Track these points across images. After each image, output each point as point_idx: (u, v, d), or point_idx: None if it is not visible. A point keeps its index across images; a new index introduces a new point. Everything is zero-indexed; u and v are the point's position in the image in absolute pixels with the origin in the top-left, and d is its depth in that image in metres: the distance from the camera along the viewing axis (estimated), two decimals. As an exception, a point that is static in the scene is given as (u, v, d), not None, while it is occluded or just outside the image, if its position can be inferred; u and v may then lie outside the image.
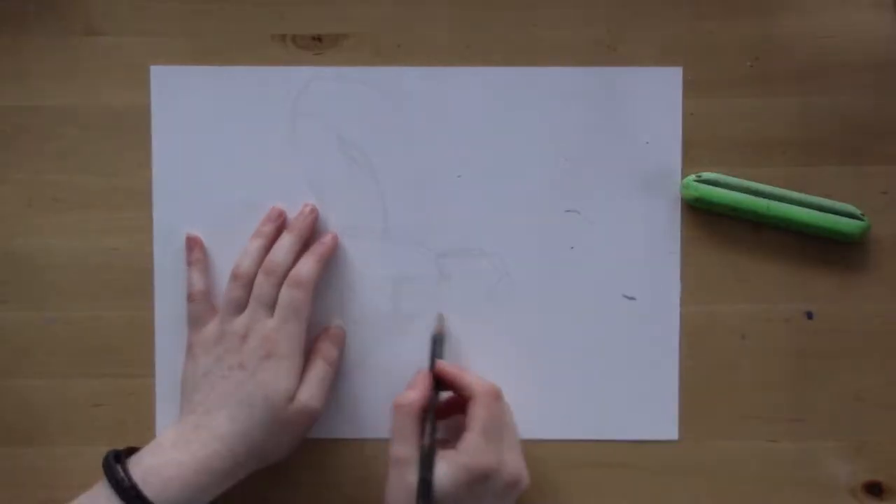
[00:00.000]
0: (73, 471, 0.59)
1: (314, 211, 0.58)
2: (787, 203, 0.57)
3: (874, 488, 0.58)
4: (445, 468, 0.51)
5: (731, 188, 0.57)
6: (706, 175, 0.57)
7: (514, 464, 0.53)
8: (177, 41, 0.58)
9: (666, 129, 0.58)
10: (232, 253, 0.58)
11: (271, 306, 0.55)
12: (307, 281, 0.55)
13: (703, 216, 0.58)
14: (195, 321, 0.56)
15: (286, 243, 0.56)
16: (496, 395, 0.54)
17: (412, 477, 0.51)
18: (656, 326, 0.58)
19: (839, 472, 0.58)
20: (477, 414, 0.52)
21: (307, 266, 0.56)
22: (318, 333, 0.57)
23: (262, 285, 0.55)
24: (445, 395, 0.56)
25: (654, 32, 0.58)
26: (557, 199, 0.59)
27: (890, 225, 0.58)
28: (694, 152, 0.58)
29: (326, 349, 0.56)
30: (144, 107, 0.58)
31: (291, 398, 0.54)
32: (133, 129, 0.58)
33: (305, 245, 0.57)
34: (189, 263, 0.58)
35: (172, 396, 0.58)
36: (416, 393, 0.53)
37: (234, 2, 0.58)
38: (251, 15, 0.58)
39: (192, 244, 0.58)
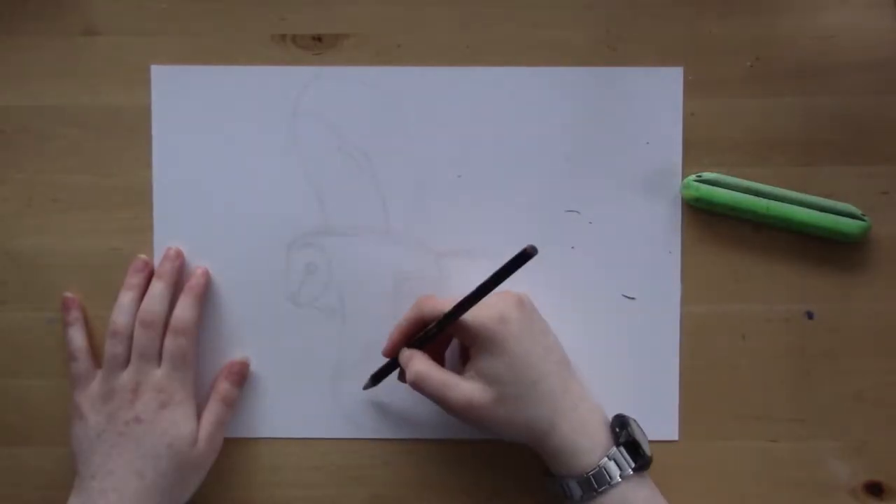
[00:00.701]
0: (72, 471, 0.58)
1: (179, 255, 0.58)
2: (787, 203, 0.57)
3: (874, 488, 0.58)
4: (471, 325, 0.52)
5: (731, 188, 0.57)
6: (706, 175, 0.57)
7: (499, 301, 0.53)
8: (177, 41, 0.58)
9: (666, 129, 0.58)
10: (232, 256, 0.58)
11: (155, 357, 0.55)
12: (188, 326, 0.56)
13: (703, 216, 0.58)
14: (78, 380, 0.56)
15: (157, 292, 0.56)
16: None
17: (463, 388, 0.52)
18: (657, 326, 0.58)
19: (839, 472, 0.58)
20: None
21: (185, 311, 0.56)
22: (221, 371, 0.58)
23: (141, 338, 0.55)
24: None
25: (654, 32, 0.58)
26: (558, 199, 0.59)
27: (890, 225, 0.58)
28: (694, 152, 0.58)
29: (225, 389, 0.57)
30: (144, 107, 0.58)
31: (194, 442, 0.55)
32: (133, 129, 0.58)
33: (178, 288, 0.57)
34: (66, 324, 0.57)
35: (172, 396, 0.58)
36: (414, 361, 0.53)
37: (234, 2, 0.58)
38: (251, 15, 0.58)
39: (69, 304, 0.58)
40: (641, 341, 0.58)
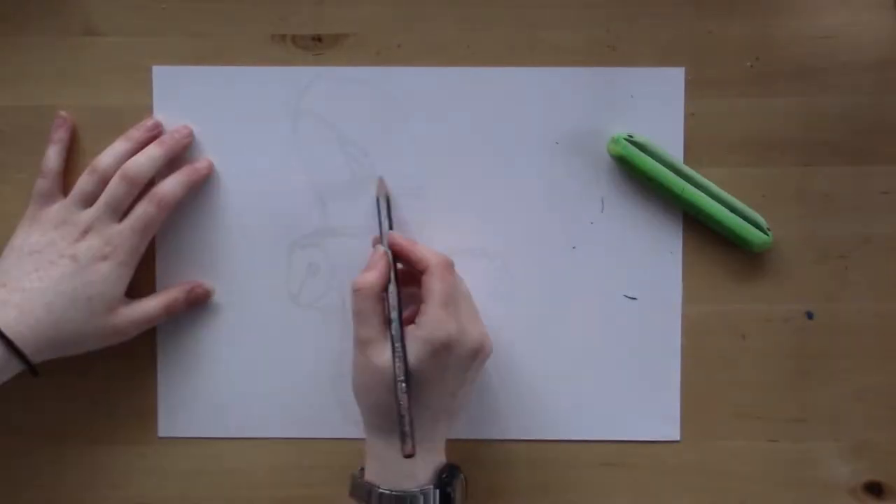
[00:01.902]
0: (73, 471, 0.59)
1: (191, 135, 0.57)
2: (706, 194, 0.57)
3: (874, 488, 0.58)
4: (407, 344, 0.50)
5: (656, 159, 0.57)
6: (637, 137, 0.57)
7: (475, 331, 0.52)
8: (177, 41, 0.58)
9: (667, 130, 0.58)
10: (233, 256, 0.58)
11: (119, 211, 0.55)
12: (168, 201, 0.55)
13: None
14: (39, 198, 0.56)
15: (153, 153, 0.56)
16: (449, 266, 0.52)
17: (379, 357, 0.50)
18: (658, 327, 0.58)
19: (839, 472, 0.58)
20: (433, 286, 0.51)
21: (172, 186, 0.56)
22: (185, 283, 0.57)
23: (116, 188, 0.54)
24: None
25: (654, 32, 0.58)
26: (558, 199, 0.59)
27: (890, 225, 0.58)
28: (694, 152, 0.58)
29: (175, 300, 0.57)
30: (144, 107, 0.58)
31: (114, 308, 0.54)
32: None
33: (172, 165, 0.57)
34: (51, 141, 0.57)
35: (173, 396, 0.58)
36: (374, 273, 0.52)
37: (234, 2, 0.58)
38: (251, 15, 0.58)
39: (60, 123, 0.57)
40: (642, 341, 0.58)
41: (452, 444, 0.58)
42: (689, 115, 0.58)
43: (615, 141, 0.57)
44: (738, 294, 0.59)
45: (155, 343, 0.59)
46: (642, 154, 0.57)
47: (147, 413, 0.59)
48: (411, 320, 0.52)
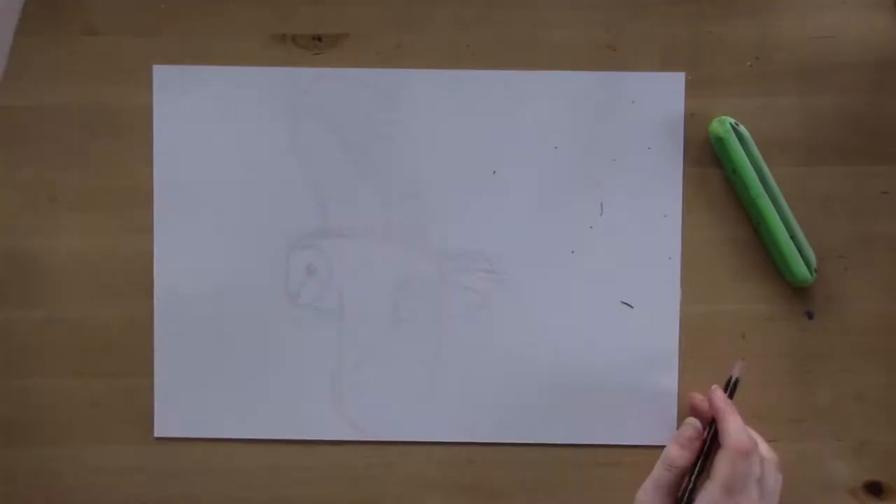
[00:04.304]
0: (73, 471, 0.59)
1: None
2: (777, 209, 0.57)
3: (874, 488, 0.58)
4: None
5: (750, 157, 0.57)
6: (742, 128, 0.57)
7: None
8: (177, 41, 0.58)
9: (668, 134, 0.58)
10: (232, 257, 0.58)
11: None
12: None
13: (703, 216, 0.58)
14: None
15: None
16: (745, 453, 0.51)
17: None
18: (656, 331, 0.58)
19: (839, 472, 0.58)
20: (719, 468, 0.51)
21: None
22: None
23: None
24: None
25: (654, 33, 0.58)
26: (558, 202, 0.59)
27: (890, 225, 0.58)
28: (694, 152, 0.58)
29: None
30: (145, 106, 0.58)
31: None
32: (133, 129, 0.58)
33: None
34: None
35: (171, 396, 0.58)
36: (686, 454, 0.53)
37: (234, 2, 0.58)
38: (251, 15, 0.58)
39: None
40: (640, 346, 0.58)
41: (452, 447, 0.58)
42: (688, 115, 0.58)
43: (721, 121, 0.57)
44: (738, 294, 0.59)
45: (152, 343, 0.58)
46: (738, 145, 0.57)
47: (144, 413, 0.59)
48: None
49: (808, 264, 0.57)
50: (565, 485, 0.59)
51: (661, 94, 0.58)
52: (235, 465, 0.59)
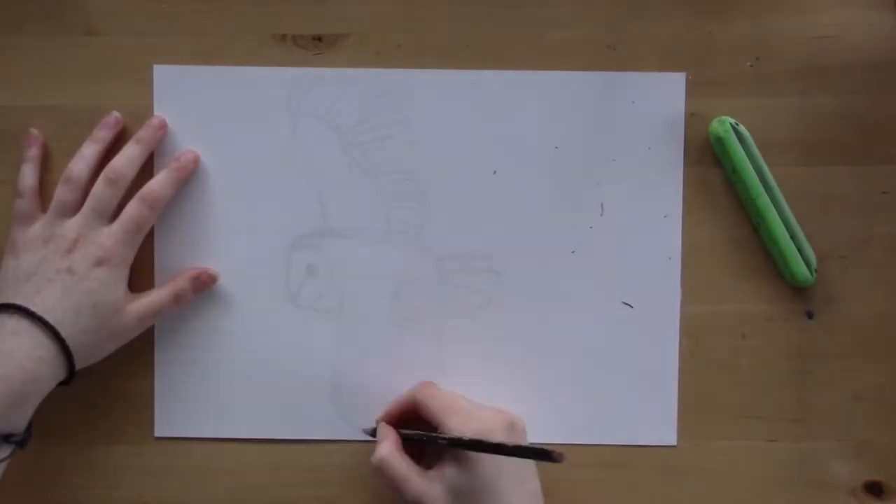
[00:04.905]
0: (73, 471, 0.59)
1: (164, 126, 0.57)
2: (777, 209, 0.57)
3: (874, 488, 0.58)
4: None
5: (749, 157, 0.57)
6: (742, 128, 0.57)
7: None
8: (177, 41, 0.58)
9: (668, 134, 0.58)
10: (232, 257, 0.58)
11: (106, 215, 0.55)
12: (160, 200, 0.55)
13: (703, 216, 0.58)
14: (21, 218, 0.55)
15: (132, 153, 0.56)
16: (426, 384, 0.56)
17: (434, 490, 0.52)
18: (656, 331, 0.58)
19: (839, 472, 0.58)
20: (424, 404, 0.54)
21: (163, 185, 0.56)
22: (188, 270, 0.57)
23: (102, 193, 0.54)
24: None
25: (654, 33, 0.58)
26: (558, 202, 0.59)
27: (890, 225, 0.58)
28: (694, 152, 0.58)
29: (181, 288, 0.57)
30: (145, 107, 0.58)
31: (121, 309, 0.54)
32: (133, 129, 0.58)
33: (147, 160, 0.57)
34: (25, 160, 0.57)
35: (171, 396, 0.58)
36: (387, 443, 0.53)
37: (234, 2, 0.58)
38: (251, 15, 0.58)
39: (32, 141, 0.57)
40: (640, 346, 0.58)
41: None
42: (688, 116, 0.58)
43: (721, 121, 0.57)
44: (738, 294, 0.59)
45: (153, 343, 0.58)
46: (738, 145, 0.57)
47: (144, 413, 0.59)
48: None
49: (808, 264, 0.57)
50: (565, 485, 0.59)
51: (662, 95, 0.58)
52: (235, 465, 0.59)
